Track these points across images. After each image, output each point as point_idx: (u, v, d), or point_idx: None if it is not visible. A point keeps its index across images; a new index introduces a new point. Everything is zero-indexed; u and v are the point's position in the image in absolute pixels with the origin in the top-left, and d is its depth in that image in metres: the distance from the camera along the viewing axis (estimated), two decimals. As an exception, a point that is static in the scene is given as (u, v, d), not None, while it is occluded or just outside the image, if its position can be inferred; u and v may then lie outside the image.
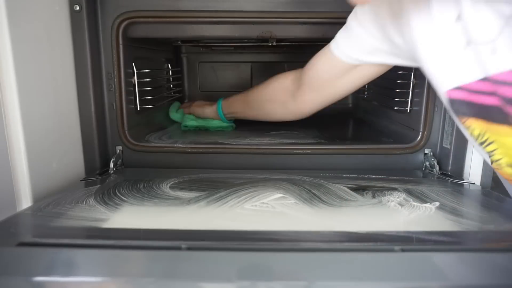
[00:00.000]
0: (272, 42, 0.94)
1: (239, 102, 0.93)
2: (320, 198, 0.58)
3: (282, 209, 0.54)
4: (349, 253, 0.39)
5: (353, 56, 0.61)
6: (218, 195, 0.58)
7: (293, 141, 0.86)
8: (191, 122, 1.05)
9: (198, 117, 1.05)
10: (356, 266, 0.37)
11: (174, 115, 1.10)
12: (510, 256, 0.38)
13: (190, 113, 1.06)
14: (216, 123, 1.02)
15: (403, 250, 0.38)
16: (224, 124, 1.02)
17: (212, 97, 1.32)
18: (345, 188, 0.63)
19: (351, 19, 0.60)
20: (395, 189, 0.63)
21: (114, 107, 0.77)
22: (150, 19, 0.75)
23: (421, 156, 0.81)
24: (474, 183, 0.72)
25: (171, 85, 1.18)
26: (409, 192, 0.61)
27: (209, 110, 1.01)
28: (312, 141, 0.87)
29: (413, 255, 0.38)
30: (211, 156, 0.80)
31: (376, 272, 0.36)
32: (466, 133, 0.50)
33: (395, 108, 0.90)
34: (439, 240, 0.42)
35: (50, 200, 0.55)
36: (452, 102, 0.48)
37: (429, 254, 0.38)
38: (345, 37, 0.62)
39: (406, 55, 0.56)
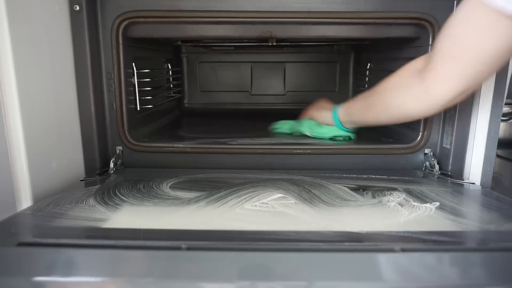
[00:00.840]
0: (272, 42, 0.94)
1: (358, 103, 0.77)
2: (320, 198, 0.58)
3: (282, 209, 0.54)
4: (349, 253, 0.39)
5: None
6: (218, 195, 0.58)
7: (293, 141, 0.86)
8: (304, 129, 0.91)
9: (316, 121, 0.89)
10: (356, 266, 0.37)
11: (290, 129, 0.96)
12: (510, 256, 0.38)
13: (309, 117, 0.92)
14: (332, 130, 0.87)
15: (403, 250, 0.38)
16: (342, 133, 0.87)
17: (212, 97, 1.33)
18: (345, 188, 0.63)
19: None
20: (395, 189, 0.63)
21: (114, 107, 0.77)
22: (150, 19, 0.75)
23: (421, 156, 0.81)
24: (474, 183, 0.72)
25: (171, 85, 1.18)
26: (409, 192, 0.61)
27: (325, 115, 0.86)
28: (312, 141, 0.86)
29: (413, 255, 0.38)
30: (211, 156, 0.80)
31: (376, 272, 0.36)
32: None
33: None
34: (439, 240, 0.42)
35: (50, 200, 0.55)
36: None
37: (429, 254, 0.38)
38: None
39: None
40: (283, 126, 0.98)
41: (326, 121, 0.86)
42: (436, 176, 0.75)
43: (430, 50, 0.71)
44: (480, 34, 0.49)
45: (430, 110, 0.61)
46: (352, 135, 0.88)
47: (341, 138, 0.87)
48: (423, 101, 0.60)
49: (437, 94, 0.57)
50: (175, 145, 0.80)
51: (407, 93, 0.62)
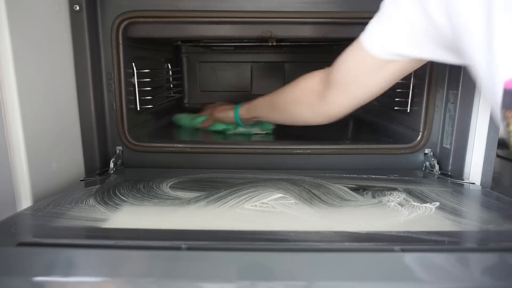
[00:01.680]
0: (272, 42, 0.94)
1: (263, 105, 0.84)
2: (320, 198, 0.58)
3: (282, 209, 0.54)
4: (349, 253, 0.39)
5: (387, 50, 0.54)
6: (218, 195, 0.58)
7: (293, 141, 0.86)
8: (219, 126, 0.98)
9: (224, 123, 0.97)
10: (356, 266, 0.37)
11: (196, 120, 1.03)
12: (509, 256, 0.38)
13: (216, 120, 0.98)
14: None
15: (403, 250, 0.38)
16: (241, 129, 0.97)
17: (212, 97, 1.33)
18: (345, 188, 0.63)
19: (385, 4, 0.53)
20: (395, 189, 0.63)
21: (114, 107, 0.77)
22: (150, 19, 0.75)
23: (421, 156, 0.81)
24: (474, 183, 0.72)
25: (171, 85, 1.18)
26: (409, 192, 0.61)
27: (227, 115, 0.94)
28: (313, 141, 0.86)
29: (413, 255, 0.38)
30: (211, 156, 0.80)
31: (376, 272, 0.36)
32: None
33: (395, 108, 0.90)
34: (439, 240, 0.42)
35: (50, 200, 0.55)
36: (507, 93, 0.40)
37: (429, 254, 0.38)
38: (378, 26, 0.55)
39: (449, 43, 0.48)
40: (184, 118, 1.06)
41: (228, 120, 0.95)
42: (436, 176, 0.75)
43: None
44: (361, 71, 0.60)
45: (327, 121, 0.73)
46: (252, 131, 0.98)
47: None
48: (322, 116, 0.73)
49: (334, 114, 0.71)
50: (175, 145, 0.80)
51: (309, 110, 0.73)
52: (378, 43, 0.55)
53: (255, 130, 0.98)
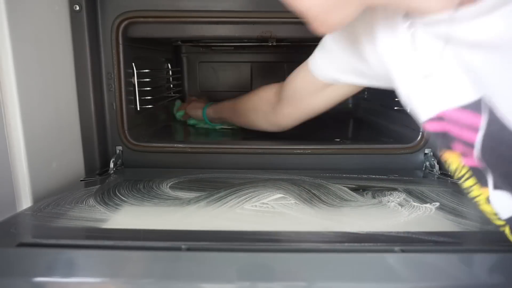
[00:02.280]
0: (272, 42, 0.94)
1: (228, 109, 0.93)
2: (320, 198, 0.58)
3: (282, 209, 0.54)
4: (349, 253, 0.39)
5: (328, 74, 0.59)
6: (218, 195, 0.58)
7: (293, 141, 0.86)
8: (192, 121, 1.09)
9: (194, 119, 1.08)
10: (356, 267, 0.37)
11: (177, 114, 1.14)
12: (509, 257, 0.38)
13: (188, 115, 1.10)
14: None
15: (403, 251, 0.38)
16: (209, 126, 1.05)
17: (212, 97, 1.33)
18: (345, 188, 0.63)
19: (326, 37, 0.57)
20: (395, 189, 0.63)
21: (114, 107, 0.77)
22: (150, 19, 0.75)
23: (421, 156, 0.81)
24: (474, 183, 0.71)
25: (171, 85, 1.18)
26: (409, 193, 0.61)
27: (196, 113, 1.05)
28: (312, 141, 0.86)
29: (413, 256, 0.38)
30: (211, 156, 0.80)
31: (376, 272, 0.36)
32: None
33: (395, 108, 0.90)
34: (439, 241, 0.42)
35: (50, 200, 0.55)
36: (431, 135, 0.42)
37: (429, 255, 0.38)
38: (321, 54, 0.60)
39: (381, 76, 0.50)
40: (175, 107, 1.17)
41: (197, 117, 1.06)
42: (436, 176, 0.75)
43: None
44: (306, 90, 0.66)
45: (277, 130, 0.80)
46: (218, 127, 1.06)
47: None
48: (273, 125, 0.80)
49: (283, 125, 0.78)
50: (175, 145, 0.80)
51: (263, 118, 0.81)
52: (319, 68, 0.60)
53: (220, 125, 1.06)
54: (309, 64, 0.63)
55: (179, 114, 1.13)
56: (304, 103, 0.69)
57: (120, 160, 0.79)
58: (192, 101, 1.11)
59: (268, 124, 0.81)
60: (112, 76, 0.76)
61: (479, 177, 0.38)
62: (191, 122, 1.10)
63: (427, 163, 0.80)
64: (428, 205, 0.55)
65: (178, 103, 1.17)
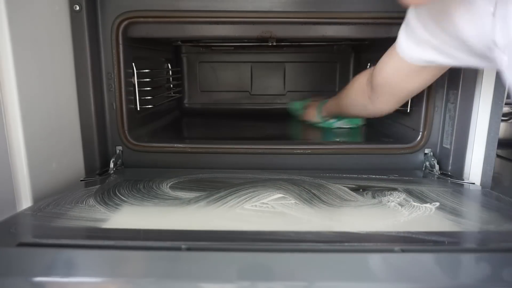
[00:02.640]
0: (272, 42, 0.94)
1: (334, 106, 0.95)
2: (320, 198, 0.58)
3: (282, 209, 0.54)
4: (349, 253, 0.39)
5: (419, 57, 0.56)
6: (218, 195, 0.58)
7: (293, 141, 0.86)
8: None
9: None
10: (356, 267, 0.37)
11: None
12: (509, 257, 0.38)
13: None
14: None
15: (403, 251, 0.38)
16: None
17: (212, 97, 1.33)
18: (345, 188, 0.63)
19: (410, 16, 0.55)
20: (395, 189, 0.62)
21: (114, 107, 0.77)
22: (150, 19, 0.75)
23: (421, 156, 0.81)
24: (474, 183, 0.72)
25: (171, 85, 1.18)
26: (409, 192, 0.61)
27: (312, 114, 1.09)
28: (313, 141, 0.87)
29: (413, 256, 0.38)
30: (211, 156, 0.80)
31: (376, 272, 0.36)
32: None
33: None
34: (439, 241, 0.42)
35: (50, 200, 0.55)
36: None
37: (429, 255, 0.38)
38: (406, 36, 0.56)
39: (477, 51, 0.48)
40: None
41: (312, 118, 1.08)
42: (436, 176, 0.75)
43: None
44: (399, 76, 0.64)
45: (379, 116, 0.80)
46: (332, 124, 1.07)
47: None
48: (374, 114, 0.78)
49: (384, 111, 0.75)
50: (175, 145, 0.80)
51: (364, 110, 0.80)
52: (410, 52, 0.57)
53: (338, 124, 1.08)
54: (398, 49, 0.59)
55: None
56: (399, 88, 0.67)
57: (120, 160, 0.79)
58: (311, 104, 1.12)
59: (369, 113, 0.81)
60: (112, 76, 0.76)
61: None
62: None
63: (427, 163, 0.80)
64: (428, 205, 0.55)
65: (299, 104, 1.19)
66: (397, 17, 0.75)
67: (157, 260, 0.37)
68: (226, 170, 0.74)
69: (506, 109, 1.19)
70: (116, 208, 0.53)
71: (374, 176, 0.72)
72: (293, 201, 0.56)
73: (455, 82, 0.74)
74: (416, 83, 0.64)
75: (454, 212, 0.53)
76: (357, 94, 0.79)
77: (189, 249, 0.38)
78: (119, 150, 0.79)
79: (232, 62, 1.33)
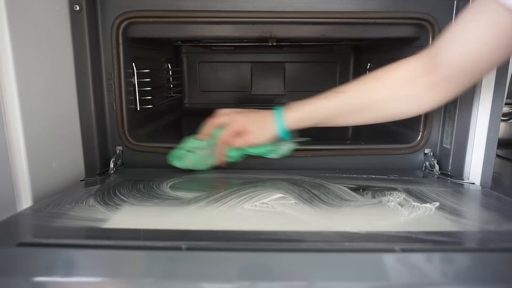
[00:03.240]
0: (272, 42, 0.94)
1: (329, 108, 0.66)
2: (320, 198, 0.58)
3: (282, 209, 0.54)
4: (349, 253, 0.39)
5: None
6: (218, 195, 0.58)
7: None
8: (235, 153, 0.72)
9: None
10: (356, 267, 0.37)
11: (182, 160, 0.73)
12: (510, 257, 0.38)
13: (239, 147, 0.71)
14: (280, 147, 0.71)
15: (403, 251, 0.38)
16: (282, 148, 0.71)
17: (212, 97, 1.33)
18: (345, 188, 0.63)
19: None
20: (395, 189, 0.62)
21: (114, 107, 0.77)
22: (150, 19, 0.75)
23: (421, 156, 0.81)
24: (474, 183, 0.72)
25: (171, 85, 1.18)
26: (409, 192, 0.61)
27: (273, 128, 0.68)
28: (312, 141, 0.86)
29: (413, 256, 0.38)
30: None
31: (376, 272, 0.36)
32: None
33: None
34: (439, 241, 0.42)
35: (50, 200, 0.55)
36: None
37: (429, 255, 0.38)
38: None
39: None
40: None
41: (266, 138, 0.68)
42: (436, 176, 0.75)
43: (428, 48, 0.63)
44: (491, 37, 0.49)
45: (430, 110, 0.66)
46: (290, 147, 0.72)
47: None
48: (426, 106, 0.63)
49: (445, 97, 0.60)
50: (175, 145, 0.80)
51: (410, 103, 0.62)
52: None
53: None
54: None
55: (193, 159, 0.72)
56: (489, 65, 0.53)
57: (120, 160, 0.79)
58: (224, 119, 0.72)
59: (419, 107, 0.63)
60: (112, 76, 0.76)
61: None
62: (255, 151, 0.71)
63: (427, 163, 0.80)
64: (428, 205, 0.55)
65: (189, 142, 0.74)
66: (397, 17, 0.75)
67: (157, 260, 0.37)
68: (226, 170, 0.74)
69: (506, 109, 1.19)
70: (116, 208, 0.53)
71: (374, 176, 0.72)
72: (293, 201, 0.56)
73: (455, 82, 0.74)
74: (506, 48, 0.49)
75: (454, 212, 0.53)
76: (396, 84, 0.62)
77: (189, 249, 0.38)
78: (119, 150, 0.79)
79: (232, 62, 1.33)
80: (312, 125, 0.68)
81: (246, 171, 0.74)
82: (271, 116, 0.68)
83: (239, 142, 0.69)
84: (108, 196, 0.58)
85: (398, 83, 0.62)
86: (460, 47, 0.53)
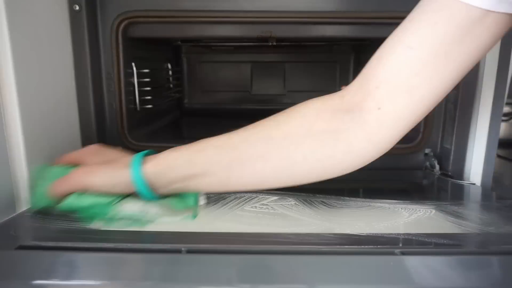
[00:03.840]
0: (272, 42, 0.93)
1: (207, 156, 0.46)
2: (320, 199, 0.58)
3: (282, 210, 0.54)
4: (349, 256, 0.39)
5: None
6: (217, 196, 0.58)
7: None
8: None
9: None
10: (357, 269, 0.37)
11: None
12: (510, 259, 0.38)
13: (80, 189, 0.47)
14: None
15: (403, 253, 0.38)
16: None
17: (212, 97, 1.33)
18: (346, 189, 0.62)
19: None
20: (396, 190, 0.62)
21: (114, 107, 0.77)
22: (150, 19, 0.74)
23: (421, 156, 0.81)
24: (474, 184, 0.71)
25: (171, 85, 1.18)
26: (410, 193, 0.61)
27: (112, 176, 0.47)
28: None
29: (414, 258, 0.38)
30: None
31: (377, 275, 0.36)
32: None
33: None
34: (439, 243, 0.42)
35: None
36: None
37: (429, 257, 0.38)
38: None
39: None
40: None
41: (112, 186, 0.46)
42: (436, 176, 0.75)
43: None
44: (445, 38, 0.38)
45: (363, 164, 0.44)
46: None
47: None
48: (357, 152, 0.43)
49: (383, 141, 0.42)
50: (175, 145, 0.80)
51: (327, 146, 0.42)
52: None
53: (177, 206, 0.50)
54: None
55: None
56: (437, 71, 0.39)
57: (120, 160, 0.78)
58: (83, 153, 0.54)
59: (345, 153, 0.43)
60: (112, 76, 0.76)
61: None
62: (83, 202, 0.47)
63: (428, 163, 0.79)
64: (428, 206, 0.55)
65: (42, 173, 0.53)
66: (397, 17, 0.75)
67: (157, 262, 0.37)
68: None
69: (506, 109, 1.19)
70: (116, 209, 0.53)
71: (374, 177, 0.71)
72: (293, 202, 0.56)
73: (456, 82, 0.74)
74: (465, 54, 0.39)
75: (455, 214, 0.52)
76: (312, 122, 0.44)
77: (189, 251, 0.38)
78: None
79: (232, 62, 1.32)
80: (187, 185, 0.47)
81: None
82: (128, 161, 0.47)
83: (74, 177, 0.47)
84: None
85: (315, 116, 0.44)
86: (404, 71, 0.40)
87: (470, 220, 0.51)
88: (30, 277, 0.35)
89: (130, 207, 0.48)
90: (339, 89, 0.45)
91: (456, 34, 0.38)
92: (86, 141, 0.74)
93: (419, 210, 0.54)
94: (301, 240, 0.43)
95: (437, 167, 0.77)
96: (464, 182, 0.71)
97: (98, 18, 0.73)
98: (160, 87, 1.06)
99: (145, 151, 0.48)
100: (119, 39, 0.75)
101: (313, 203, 0.56)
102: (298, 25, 0.78)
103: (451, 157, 0.77)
